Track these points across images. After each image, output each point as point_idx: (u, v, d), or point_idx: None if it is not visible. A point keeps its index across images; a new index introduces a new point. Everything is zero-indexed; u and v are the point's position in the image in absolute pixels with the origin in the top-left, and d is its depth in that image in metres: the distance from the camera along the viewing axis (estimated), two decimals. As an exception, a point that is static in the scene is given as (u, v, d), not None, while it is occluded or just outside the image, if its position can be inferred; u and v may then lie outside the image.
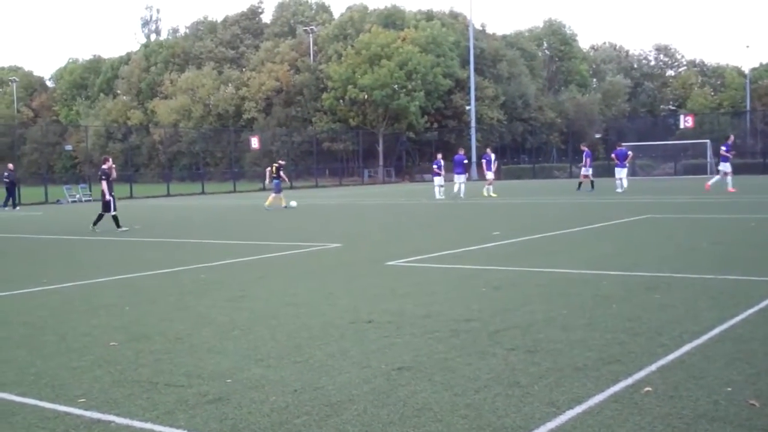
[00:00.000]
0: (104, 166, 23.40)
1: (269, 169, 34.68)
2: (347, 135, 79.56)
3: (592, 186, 39.40)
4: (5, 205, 40.96)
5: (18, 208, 41.20)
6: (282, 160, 36.21)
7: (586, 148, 41.77)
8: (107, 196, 22.87)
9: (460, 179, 36.74)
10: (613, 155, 40.36)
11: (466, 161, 38.47)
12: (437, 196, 36.76)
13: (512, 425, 5.16)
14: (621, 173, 38.45)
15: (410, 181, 73.92)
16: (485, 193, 36.73)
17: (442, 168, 37.76)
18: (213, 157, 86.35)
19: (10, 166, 43.61)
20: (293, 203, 33.18)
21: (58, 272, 13.98)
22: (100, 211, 23.23)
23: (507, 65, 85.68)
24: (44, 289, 11.80)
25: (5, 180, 41.97)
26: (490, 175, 37.72)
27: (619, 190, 37.49)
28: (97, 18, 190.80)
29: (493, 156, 37.89)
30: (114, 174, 23.49)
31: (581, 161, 40.72)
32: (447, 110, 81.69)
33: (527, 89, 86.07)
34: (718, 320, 8.08)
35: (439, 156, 39.15)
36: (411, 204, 33.54)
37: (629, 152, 41.03)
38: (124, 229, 22.73)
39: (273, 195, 33.07)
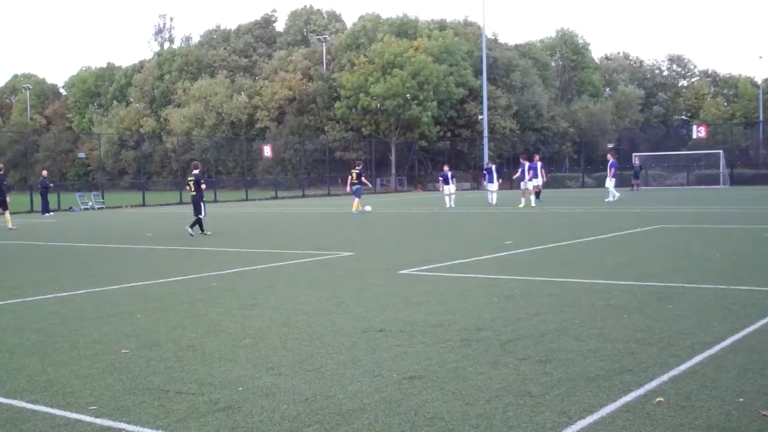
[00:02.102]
0: (197, 171, 24.05)
1: (350, 175, 35.48)
2: (360, 144, 79.58)
3: (538, 196, 39.64)
4: (46, 210, 41.38)
5: (50, 213, 41.31)
6: (359, 165, 36.62)
7: (525, 162, 41.79)
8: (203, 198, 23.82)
9: (493, 187, 38.38)
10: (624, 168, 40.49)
11: (486, 169, 39.62)
12: (447, 204, 36.89)
13: (523, 435, 5.16)
14: (609, 183, 39.01)
15: (422, 190, 73.88)
16: (525, 204, 35.78)
17: (449, 179, 37.68)
18: (225, 166, 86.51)
19: (44, 173, 43.92)
20: (368, 207, 34.63)
21: (71, 279, 14.03)
22: (194, 216, 23.72)
23: (520, 75, 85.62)
24: (56, 297, 11.83)
25: (40, 186, 42.41)
26: (528, 185, 36.79)
27: (611, 198, 38.18)
28: (111, 26, 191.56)
29: (527, 165, 36.95)
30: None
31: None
32: (460, 119, 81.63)
33: (540, 99, 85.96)
34: (730, 331, 8.06)
35: (446, 168, 38.86)
36: (423, 213, 33.53)
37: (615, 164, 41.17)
38: (208, 233, 23.52)
39: (357, 200, 34.36)
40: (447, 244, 19.04)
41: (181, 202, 53.84)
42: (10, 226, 29.09)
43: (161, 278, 13.71)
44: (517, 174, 38.28)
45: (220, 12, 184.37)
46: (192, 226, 23.40)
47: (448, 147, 79.48)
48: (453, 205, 36.56)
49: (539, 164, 38.07)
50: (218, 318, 9.62)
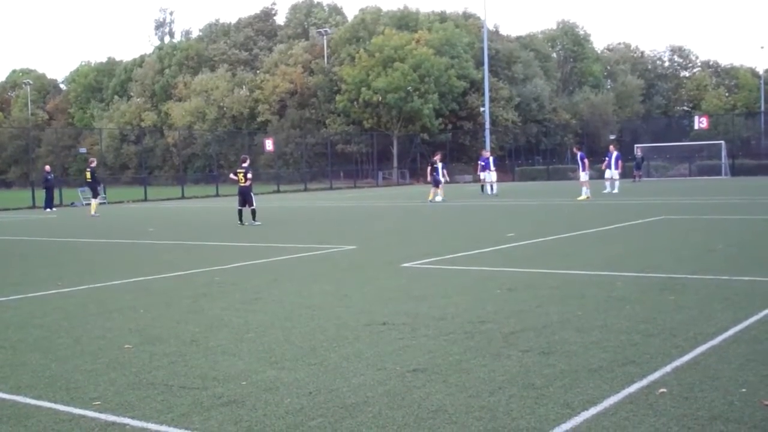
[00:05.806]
0: (246, 164, 25.24)
1: (429, 167, 37.22)
2: (361, 137, 79.53)
3: (484, 189, 41.35)
4: (50, 206, 41.42)
5: (52, 210, 41.26)
6: (436, 156, 37.40)
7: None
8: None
9: (492, 177, 40.07)
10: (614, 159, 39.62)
11: (484, 161, 40.02)
12: (433, 198, 35.92)
13: (527, 427, 5.15)
14: (614, 174, 39.56)
15: (425, 183, 73.80)
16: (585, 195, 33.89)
17: (440, 172, 36.28)
18: (227, 160, 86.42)
19: (47, 168, 43.94)
20: (438, 198, 35.51)
21: (74, 275, 14.03)
22: (250, 207, 24.92)
23: (521, 67, 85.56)
24: (59, 292, 11.83)
25: (44, 182, 42.56)
26: (584, 177, 34.95)
27: (608, 190, 38.61)
28: (111, 20, 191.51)
29: (579, 155, 35.63)
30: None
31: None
32: (461, 111, 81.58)
33: (542, 90, 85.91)
34: (732, 321, 8.06)
35: (437, 158, 37.27)
36: (425, 206, 33.46)
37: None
38: (257, 223, 24.56)
39: (434, 189, 35.80)
40: (449, 237, 19.02)
41: (183, 197, 53.85)
42: (93, 213, 32.49)
43: (164, 273, 13.70)
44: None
45: (220, 5, 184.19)
46: (255, 218, 24.65)
47: (450, 139, 79.41)
48: (444, 199, 35.80)
49: (440, 165, 36.78)
50: (221, 312, 9.63)
